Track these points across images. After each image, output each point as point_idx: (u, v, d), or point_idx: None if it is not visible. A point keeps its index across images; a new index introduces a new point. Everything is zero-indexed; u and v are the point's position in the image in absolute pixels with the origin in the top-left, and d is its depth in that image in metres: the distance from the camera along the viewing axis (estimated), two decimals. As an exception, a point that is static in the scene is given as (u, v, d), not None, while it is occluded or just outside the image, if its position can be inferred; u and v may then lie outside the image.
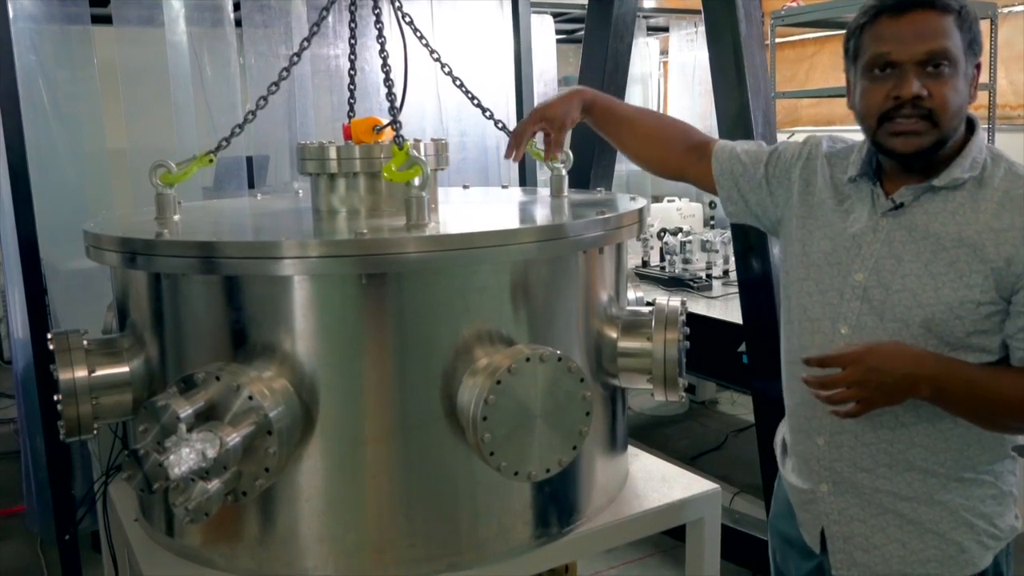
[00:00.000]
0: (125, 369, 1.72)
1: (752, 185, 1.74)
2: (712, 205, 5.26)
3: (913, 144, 1.45)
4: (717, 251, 3.93)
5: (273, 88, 1.94)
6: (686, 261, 4.00)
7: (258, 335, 1.55)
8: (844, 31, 1.55)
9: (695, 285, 3.74)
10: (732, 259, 4.14)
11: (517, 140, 1.85)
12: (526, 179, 3.69)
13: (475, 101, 2.12)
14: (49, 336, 1.69)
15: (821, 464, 1.62)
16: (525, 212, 1.88)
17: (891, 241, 1.52)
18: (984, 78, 5.82)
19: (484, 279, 1.58)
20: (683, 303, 1.85)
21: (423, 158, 1.60)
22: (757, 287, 2.59)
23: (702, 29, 7.21)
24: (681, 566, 3.22)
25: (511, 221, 1.75)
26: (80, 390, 1.64)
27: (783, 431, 1.81)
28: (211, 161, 1.91)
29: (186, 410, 1.34)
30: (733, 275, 3.99)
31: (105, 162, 3.20)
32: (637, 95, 7.91)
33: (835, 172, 1.64)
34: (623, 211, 1.77)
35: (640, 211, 1.86)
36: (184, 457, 1.23)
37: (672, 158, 1.86)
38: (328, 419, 1.54)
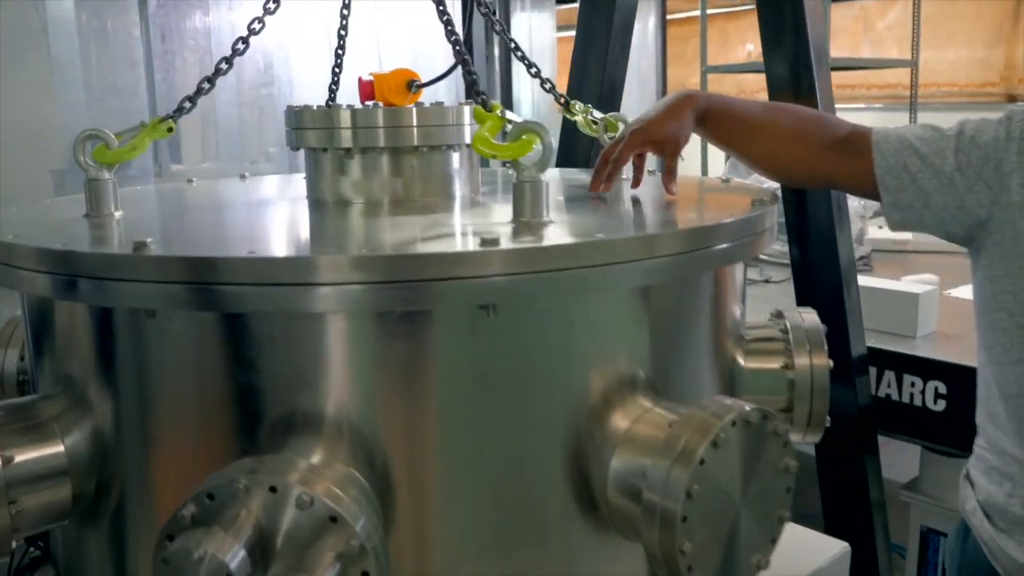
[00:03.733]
0: (59, 449, 1.12)
1: (940, 182, 1.31)
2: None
3: None
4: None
5: (258, 25, 1.36)
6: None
7: (295, 400, 1.00)
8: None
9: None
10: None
11: (612, 168, 1.36)
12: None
13: (519, 53, 1.61)
14: (-71, 406, 1.08)
15: None
16: (622, 208, 1.39)
17: None
18: (907, 54, 5.77)
19: (627, 304, 1.09)
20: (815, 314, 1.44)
21: (540, 123, 1.08)
22: (817, 276, 2.17)
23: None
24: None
25: (634, 221, 1.27)
26: (-10, 489, 1.04)
27: (985, 491, 1.39)
28: (170, 131, 1.31)
29: (236, 555, 0.78)
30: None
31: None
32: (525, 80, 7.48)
33: None
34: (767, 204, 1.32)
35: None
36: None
37: (815, 163, 1.41)
38: (409, 531, 1.01)
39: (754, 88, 7.73)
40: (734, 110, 1.40)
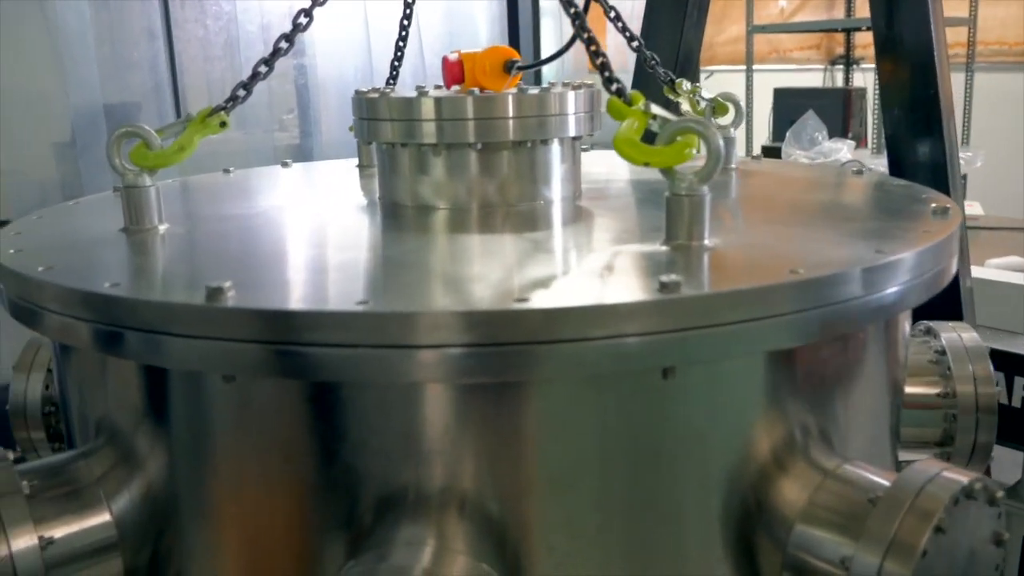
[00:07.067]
0: (105, 518, 0.93)
1: None
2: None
3: None
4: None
5: (324, -4, 1.13)
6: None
7: (408, 479, 0.80)
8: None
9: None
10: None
11: None
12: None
13: (619, 24, 1.38)
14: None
15: None
16: (771, 220, 1.16)
17: None
18: (963, 11, 5.46)
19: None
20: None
21: (704, 120, 0.85)
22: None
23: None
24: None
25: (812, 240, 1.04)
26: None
27: None
28: (223, 124, 1.09)
29: None
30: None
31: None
32: (549, 29, 7.14)
33: None
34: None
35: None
36: None
37: None
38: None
39: (788, 47, 7.42)
40: None
